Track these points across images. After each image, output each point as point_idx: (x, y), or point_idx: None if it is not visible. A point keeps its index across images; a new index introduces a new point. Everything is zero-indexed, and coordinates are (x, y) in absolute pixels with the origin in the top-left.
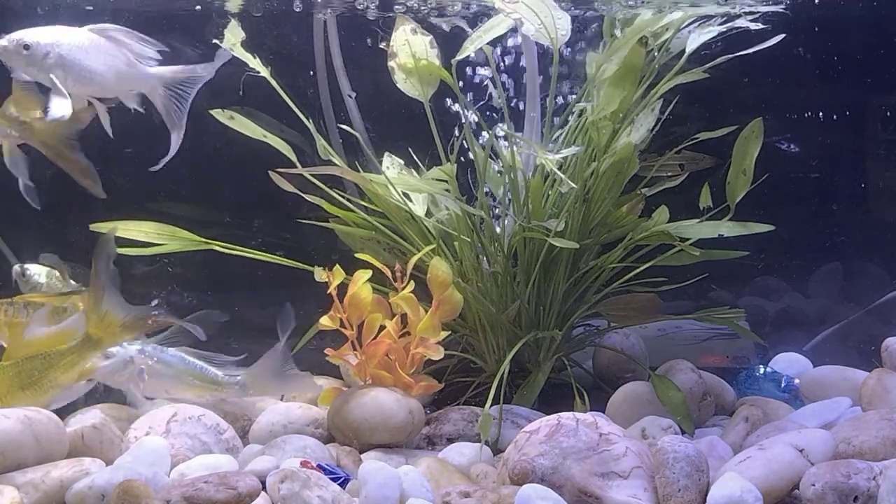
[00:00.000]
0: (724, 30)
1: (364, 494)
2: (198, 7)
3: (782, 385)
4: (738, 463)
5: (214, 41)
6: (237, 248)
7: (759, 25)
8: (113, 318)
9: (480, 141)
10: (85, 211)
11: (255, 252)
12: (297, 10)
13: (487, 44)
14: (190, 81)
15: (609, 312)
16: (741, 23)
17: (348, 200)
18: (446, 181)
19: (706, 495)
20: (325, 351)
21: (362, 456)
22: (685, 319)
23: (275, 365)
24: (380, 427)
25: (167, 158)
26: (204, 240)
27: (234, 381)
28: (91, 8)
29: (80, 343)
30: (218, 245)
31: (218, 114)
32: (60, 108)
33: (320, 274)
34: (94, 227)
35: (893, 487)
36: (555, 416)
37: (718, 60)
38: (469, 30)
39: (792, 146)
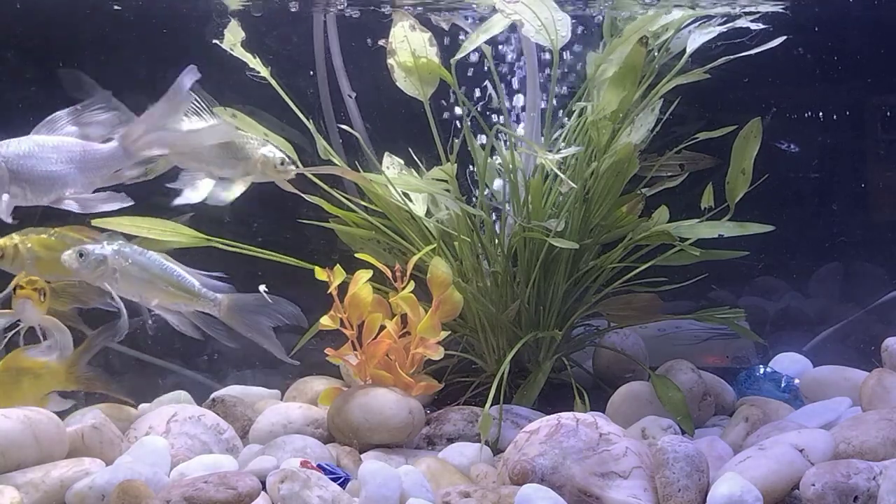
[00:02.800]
0: (725, 30)
1: (364, 494)
2: None
3: (782, 385)
4: (738, 463)
5: (214, 41)
6: (238, 245)
7: (760, 25)
8: (80, 372)
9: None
10: None
11: (256, 250)
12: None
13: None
14: (164, 118)
15: (609, 312)
16: (741, 23)
17: (348, 200)
18: (446, 181)
19: (706, 495)
20: (325, 351)
21: (362, 456)
22: (685, 319)
23: (259, 311)
24: (380, 427)
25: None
26: (206, 237)
27: (211, 297)
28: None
29: (47, 374)
30: (219, 242)
31: (220, 111)
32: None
33: (320, 273)
34: (97, 222)
35: (894, 487)
36: (555, 416)
37: (719, 61)
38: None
39: (792, 146)
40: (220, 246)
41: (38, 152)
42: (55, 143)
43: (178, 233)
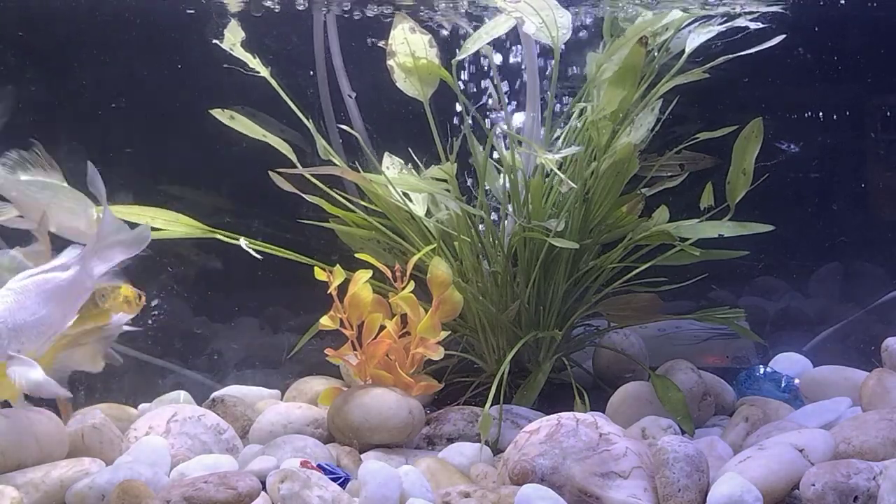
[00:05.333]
0: (724, 29)
1: (364, 494)
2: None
3: (782, 385)
4: (738, 463)
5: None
6: (240, 237)
7: (759, 25)
8: None
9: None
10: None
11: (259, 243)
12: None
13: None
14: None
15: (609, 312)
16: (741, 22)
17: (348, 201)
18: (446, 181)
19: (706, 495)
20: (325, 351)
21: (362, 456)
22: (685, 319)
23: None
24: (380, 427)
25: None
26: (207, 227)
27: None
28: None
29: None
30: (221, 233)
31: (218, 113)
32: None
33: (320, 273)
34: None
35: (893, 487)
36: (555, 416)
37: (719, 60)
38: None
39: (792, 146)
40: (222, 238)
41: (24, 301)
42: (31, 285)
43: (181, 223)
